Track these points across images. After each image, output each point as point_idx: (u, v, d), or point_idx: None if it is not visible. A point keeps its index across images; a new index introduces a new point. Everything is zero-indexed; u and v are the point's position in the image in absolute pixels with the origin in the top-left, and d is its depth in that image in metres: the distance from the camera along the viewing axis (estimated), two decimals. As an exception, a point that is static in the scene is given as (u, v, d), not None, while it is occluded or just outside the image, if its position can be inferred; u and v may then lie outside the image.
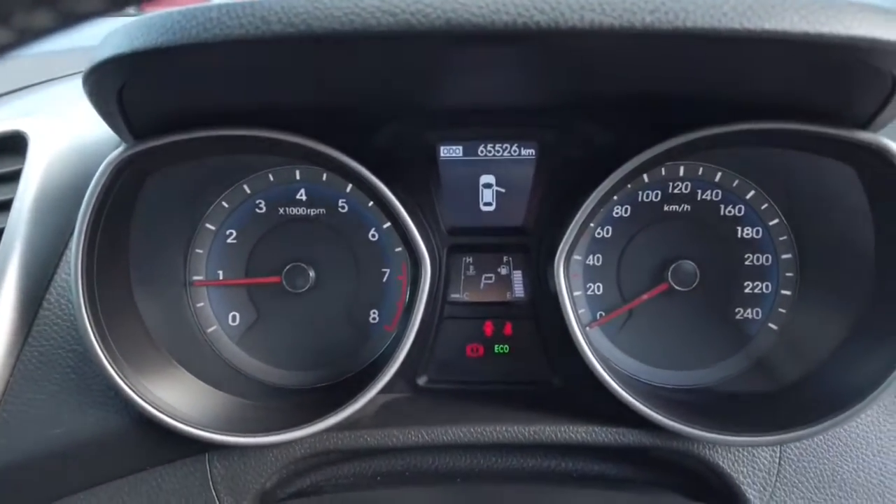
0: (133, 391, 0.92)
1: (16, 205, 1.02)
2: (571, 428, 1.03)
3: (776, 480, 1.00)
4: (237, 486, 0.99)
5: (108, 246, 0.95)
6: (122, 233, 1.00)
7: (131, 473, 0.99)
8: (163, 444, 0.97)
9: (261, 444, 0.97)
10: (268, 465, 1.01)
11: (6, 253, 0.97)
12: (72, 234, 1.01)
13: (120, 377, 0.91)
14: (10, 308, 0.96)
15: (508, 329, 1.21)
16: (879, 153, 0.90)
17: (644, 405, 0.99)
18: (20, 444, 0.95)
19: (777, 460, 1.00)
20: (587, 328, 1.17)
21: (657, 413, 0.99)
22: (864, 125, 0.90)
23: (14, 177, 1.05)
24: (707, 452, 1.01)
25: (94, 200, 0.91)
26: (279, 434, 0.97)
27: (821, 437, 1.00)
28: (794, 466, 1.00)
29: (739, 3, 0.69)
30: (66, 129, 1.12)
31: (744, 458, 1.01)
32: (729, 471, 1.00)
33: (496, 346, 1.20)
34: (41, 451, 0.96)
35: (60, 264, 1.01)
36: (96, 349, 0.90)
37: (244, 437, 0.96)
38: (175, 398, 0.97)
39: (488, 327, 1.21)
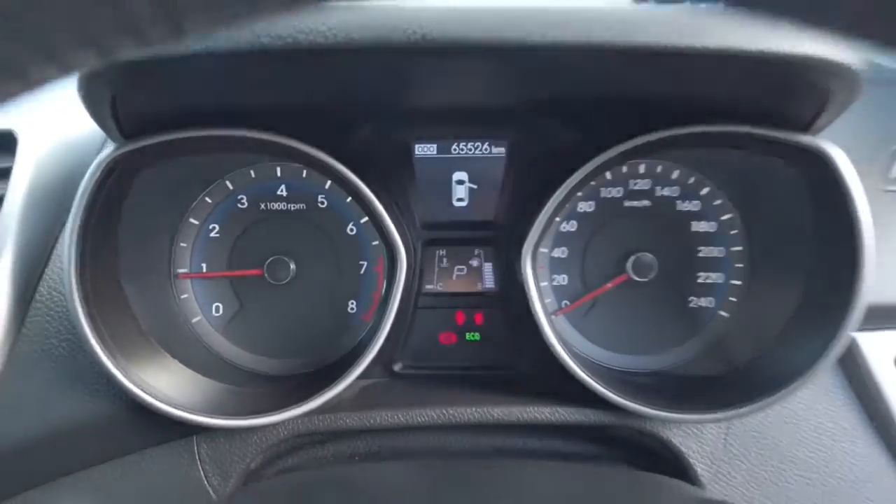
0: (124, 377, 0.97)
1: (7, 202, 1.06)
2: (536, 409, 1.10)
3: (722, 455, 1.08)
4: (223, 466, 1.05)
5: (98, 241, 1.00)
6: (112, 228, 1.04)
7: (123, 455, 1.04)
8: (153, 427, 1.03)
9: (245, 426, 1.03)
10: (252, 446, 1.07)
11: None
12: (61, 229, 1.06)
13: (112, 364, 0.96)
14: (4, 302, 1.01)
15: (479, 318, 1.28)
16: (818, 155, 0.98)
17: (603, 387, 1.07)
18: (16, 430, 1.00)
19: (724, 436, 1.09)
20: (552, 316, 1.24)
21: (614, 394, 1.07)
22: (806, 128, 0.98)
23: (4, 174, 1.09)
24: (659, 429, 1.09)
25: (85, 198, 0.96)
26: (262, 417, 1.03)
27: (764, 414, 1.09)
28: (739, 442, 1.09)
29: (692, 22, 0.76)
30: (54, 126, 1.15)
31: (693, 434, 1.09)
32: (679, 446, 1.09)
33: (467, 333, 1.27)
34: (36, 435, 1.01)
35: (51, 259, 1.06)
36: (90, 338, 0.95)
37: (229, 419, 1.02)
38: (164, 384, 1.03)
39: (460, 316, 1.27)
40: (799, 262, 1.10)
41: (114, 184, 0.99)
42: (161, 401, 0.99)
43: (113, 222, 1.05)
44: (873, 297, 1.04)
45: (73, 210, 0.96)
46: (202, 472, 1.04)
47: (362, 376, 1.10)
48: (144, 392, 0.98)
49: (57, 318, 1.02)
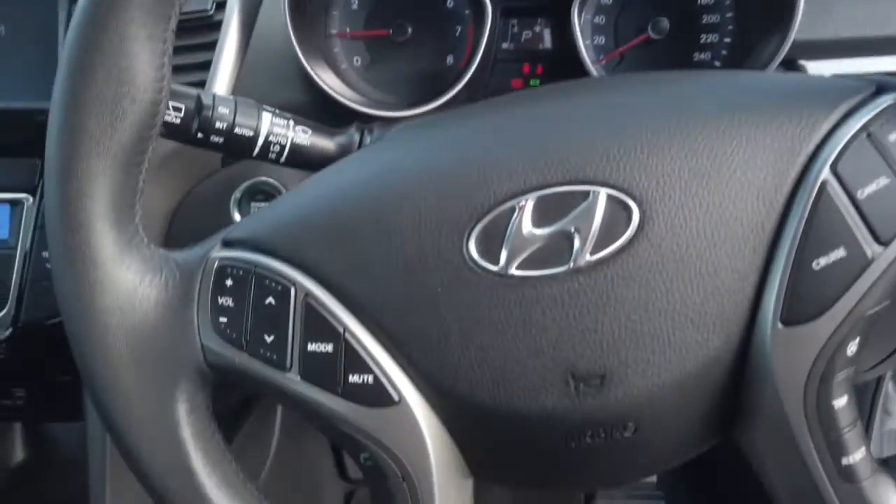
0: (318, 79, 1.53)
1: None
2: None
3: None
4: None
5: (299, 9, 1.53)
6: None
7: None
8: (328, 114, 1.57)
9: (387, 115, 1.57)
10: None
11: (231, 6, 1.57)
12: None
13: (313, 72, 1.52)
14: (235, 34, 1.57)
15: (539, 69, 1.76)
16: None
17: None
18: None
19: None
20: (593, 65, 1.73)
21: None
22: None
23: None
24: None
25: None
26: (401, 111, 1.58)
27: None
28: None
29: None
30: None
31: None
32: None
33: (531, 80, 1.76)
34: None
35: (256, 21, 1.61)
36: (299, 51, 1.50)
37: (378, 111, 1.57)
38: (336, 87, 1.58)
39: (526, 67, 1.76)
40: (759, 21, 1.58)
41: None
42: (339, 96, 1.55)
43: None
44: (814, 35, 1.53)
45: None
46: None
47: (457, 99, 1.63)
48: (329, 89, 1.54)
49: (273, 43, 1.58)
